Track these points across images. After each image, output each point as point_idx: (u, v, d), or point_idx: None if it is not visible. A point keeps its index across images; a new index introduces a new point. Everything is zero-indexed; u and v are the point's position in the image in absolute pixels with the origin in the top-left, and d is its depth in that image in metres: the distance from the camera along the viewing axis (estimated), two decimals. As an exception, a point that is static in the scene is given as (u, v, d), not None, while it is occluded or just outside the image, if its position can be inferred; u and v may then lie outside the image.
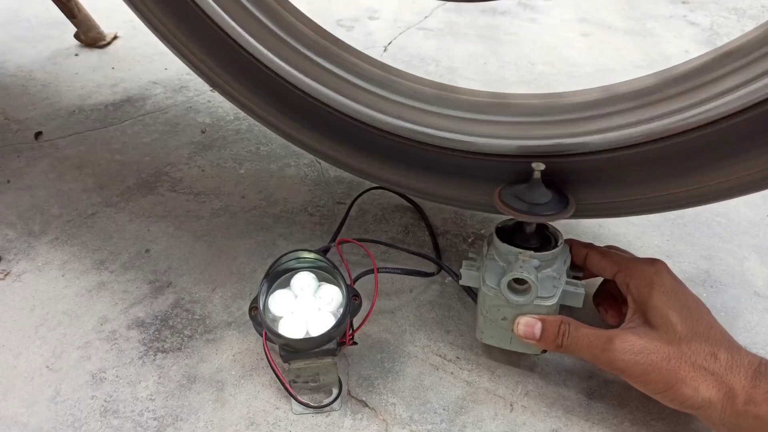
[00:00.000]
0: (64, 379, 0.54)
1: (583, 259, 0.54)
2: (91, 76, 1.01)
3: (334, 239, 0.66)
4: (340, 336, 0.48)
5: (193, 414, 0.51)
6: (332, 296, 0.50)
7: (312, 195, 0.75)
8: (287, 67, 0.53)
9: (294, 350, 0.47)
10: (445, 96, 0.54)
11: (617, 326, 0.51)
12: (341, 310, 0.49)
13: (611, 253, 0.54)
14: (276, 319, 0.49)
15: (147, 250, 0.68)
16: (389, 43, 1.12)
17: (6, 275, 0.65)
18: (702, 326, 0.46)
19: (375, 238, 0.68)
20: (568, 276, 0.58)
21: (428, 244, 0.67)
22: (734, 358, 0.44)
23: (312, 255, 0.51)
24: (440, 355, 0.56)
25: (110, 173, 0.80)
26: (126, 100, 0.95)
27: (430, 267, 0.62)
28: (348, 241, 0.63)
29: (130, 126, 0.89)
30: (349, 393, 0.52)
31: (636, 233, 0.68)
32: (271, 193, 0.75)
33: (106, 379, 0.54)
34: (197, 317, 0.60)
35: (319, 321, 0.48)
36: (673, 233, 0.69)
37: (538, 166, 0.47)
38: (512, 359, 0.55)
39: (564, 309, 0.51)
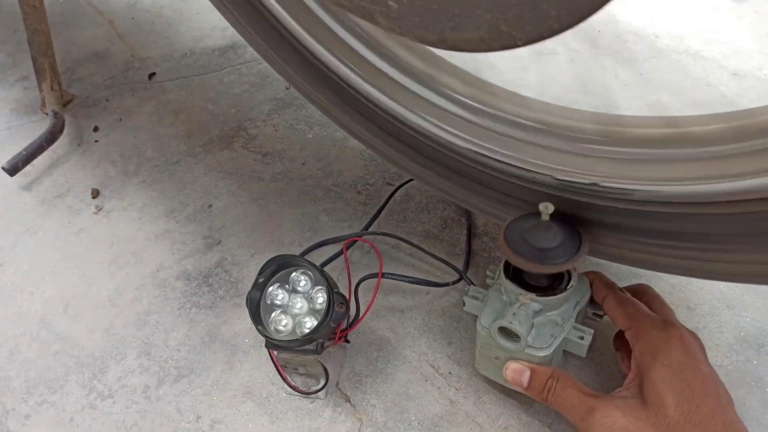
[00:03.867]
0: (119, 315, 0.64)
1: (601, 301, 0.50)
2: (209, 18, 1.08)
3: (367, 227, 0.67)
4: (324, 338, 0.50)
5: (205, 372, 0.58)
6: (324, 299, 0.52)
7: (365, 171, 0.75)
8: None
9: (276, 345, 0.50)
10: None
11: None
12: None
13: (629, 302, 0.48)
14: (268, 311, 0.52)
15: (210, 205, 0.74)
16: None
17: (99, 210, 0.76)
18: (701, 415, 0.41)
19: (410, 229, 0.67)
20: (585, 315, 0.54)
21: (462, 243, 0.65)
22: None
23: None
24: (434, 367, 0.56)
25: (200, 122, 0.87)
26: (230, 46, 1.00)
27: (452, 274, 0.61)
28: (361, 240, 0.63)
29: (227, 74, 0.95)
30: (337, 385, 0.56)
31: (697, 272, 0.60)
32: (329, 163, 0.77)
33: (148, 322, 0.63)
34: (233, 279, 0.66)
35: (306, 321, 0.51)
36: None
37: (547, 208, 0.43)
38: (505, 387, 0.53)
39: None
